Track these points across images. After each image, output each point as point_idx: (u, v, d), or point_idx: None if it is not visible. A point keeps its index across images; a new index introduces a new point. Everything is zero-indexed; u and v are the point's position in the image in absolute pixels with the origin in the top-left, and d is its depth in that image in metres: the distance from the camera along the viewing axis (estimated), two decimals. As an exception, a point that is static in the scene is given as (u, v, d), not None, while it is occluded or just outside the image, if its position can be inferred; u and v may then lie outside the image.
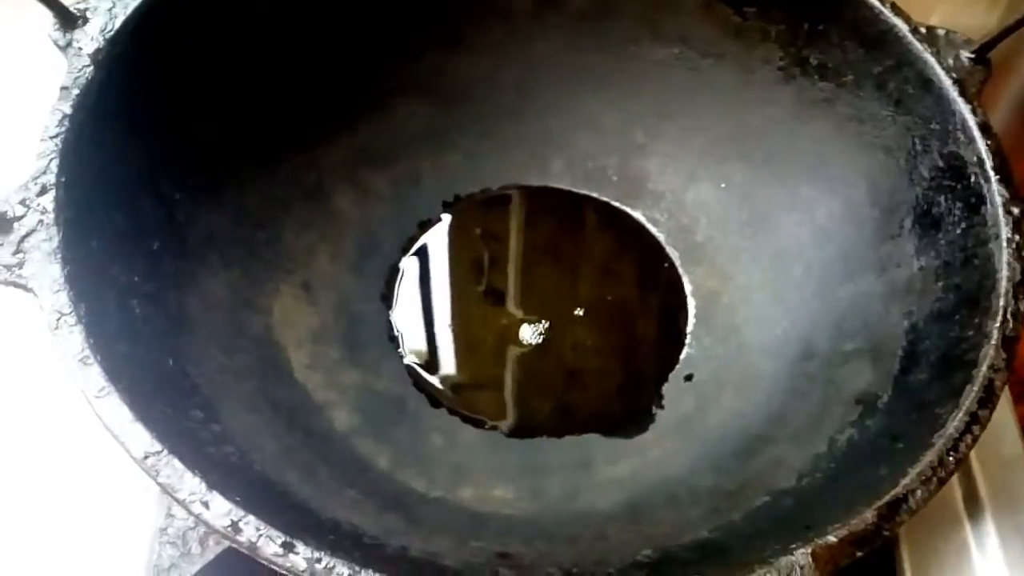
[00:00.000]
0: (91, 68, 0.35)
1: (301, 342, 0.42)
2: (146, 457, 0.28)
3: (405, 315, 0.46)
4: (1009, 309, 0.34)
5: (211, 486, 0.28)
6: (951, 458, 0.31)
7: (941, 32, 0.40)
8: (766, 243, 0.46)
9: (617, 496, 0.40)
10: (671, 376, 0.45)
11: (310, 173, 0.46)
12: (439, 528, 0.37)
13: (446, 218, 0.49)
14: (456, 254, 0.48)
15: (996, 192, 0.36)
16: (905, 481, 0.30)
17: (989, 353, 0.33)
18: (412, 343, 0.45)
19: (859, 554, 0.29)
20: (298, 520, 0.31)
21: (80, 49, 0.36)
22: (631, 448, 0.42)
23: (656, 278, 0.48)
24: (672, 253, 0.48)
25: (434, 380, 0.44)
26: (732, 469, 0.39)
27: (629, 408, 0.44)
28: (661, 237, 0.49)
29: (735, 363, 0.44)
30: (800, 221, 0.45)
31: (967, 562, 0.43)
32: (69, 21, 0.36)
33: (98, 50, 0.36)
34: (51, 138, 0.33)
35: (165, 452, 0.28)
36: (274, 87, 0.44)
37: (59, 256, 0.31)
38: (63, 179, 0.33)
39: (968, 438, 0.31)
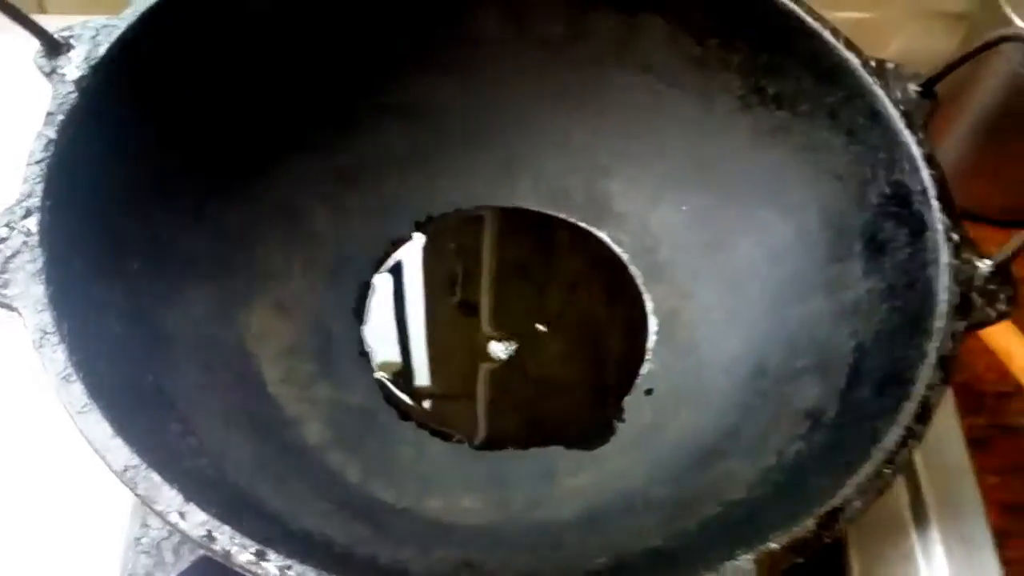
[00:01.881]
0: (75, 95, 0.36)
1: (275, 357, 0.44)
2: (125, 470, 0.29)
3: (376, 331, 0.47)
4: (947, 331, 0.35)
5: (188, 498, 0.29)
6: (888, 470, 0.32)
7: (891, 66, 0.42)
8: (724, 264, 0.48)
9: (577, 506, 0.41)
10: (632, 390, 0.47)
11: (287, 193, 0.47)
12: (406, 537, 0.38)
13: (417, 237, 0.50)
14: (427, 272, 0.50)
15: (938, 219, 0.38)
16: (844, 492, 0.32)
17: (926, 372, 0.34)
18: (382, 358, 0.46)
19: (799, 560, 0.30)
20: (270, 530, 0.32)
21: (64, 76, 0.37)
22: (592, 460, 0.44)
23: (619, 296, 0.50)
24: (635, 272, 0.50)
25: (403, 394, 0.45)
26: (687, 481, 0.41)
27: (591, 421, 0.46)
28: (625, 257, 0.50)
29: (693, 378, 0.46)
30: (756, 243, 0.47)
31: (913, 569, 0.44)
32: (54, 49, 0.37)
33: (82, 77, 0.37)
34: (36, 163, 0.34)
35: (144, 466, 0.29)
36: (253, 110, 0.45)
37: (43, 277, 0.32)
38: (48, 202, 0.34)
39: (904, 451, 0.33)
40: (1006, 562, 0.44)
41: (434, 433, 0.44)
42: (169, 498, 0.29)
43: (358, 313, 0.48)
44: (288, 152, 0.47)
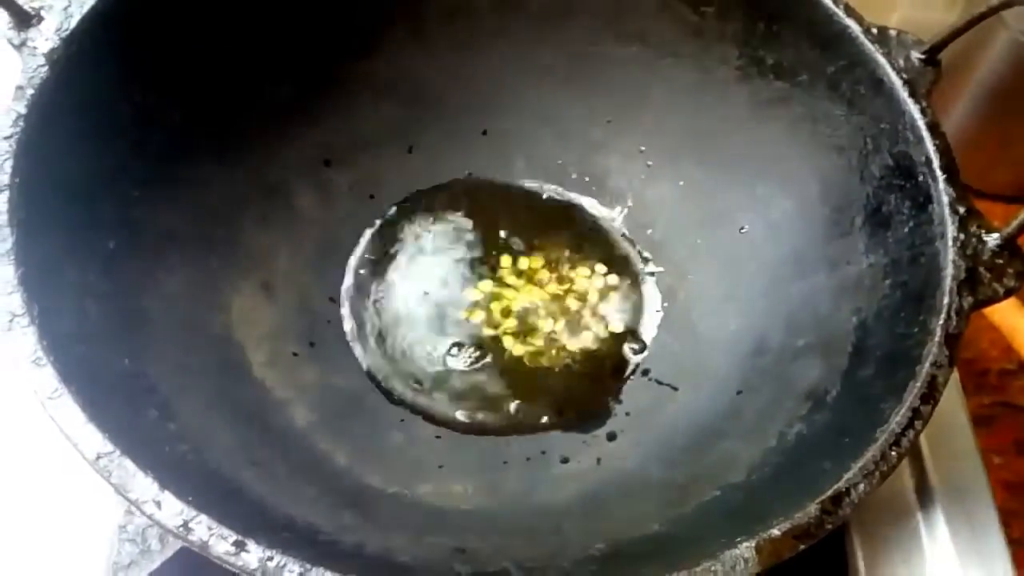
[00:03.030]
0: (46, 68, 0.35)
1: (260, 340, 0.42)
2: (98, 458, 0.28)
3: (365, 312, 0.46)
4: (953, 307, 0.34)
5: (164, 486, 0.28)
6: (893, 453, 0.31)
7: (893, 33, 0.41)
8: (722, 240, 0.46)
9: (573, 490, 0.40)
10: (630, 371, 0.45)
11: (271, 171, 0.46)
12: (396, 524, 0.37)
13: (407, 215, 0.49)
14: (417, 251, 0.48)
15: (943, 191, 0.37)
16: (848, 475, 0.31)
17: (932, 350, 0.33)
18: (372, 340, 0.45)
19: (802, 547, 0.29)
20: (252, 518, 0.31)
21: (35, 48, 0.36)
22: (589, 443, 0.43)
23: (616, 274, 0.48)
24: (631, 250, 0.49)
25: (393, 377, 0.44)
26: (685, 464, 0.40)
27: (588, 403, 0.45)
28: (621, 234, 0.49)
29: (691, 358, 0.45)
30: (755, 219, 0.45)
31: (918, 551, 0.43)
32: (24, 20, 0.36)
33: (53, 49, 0.36)
34: (5, 139, 0.33)
35: (117, 453, 0.28)
36: (233, 85, 0.44)
37: (12, 258, 0.31)
38: (17, 180, 0.33)
39: (910, 433, 0.32)
40: (1011, 542, 0.43)
41: (425, 417, 0.43)
42: (144, 486, 0.28)
43: (346, 293, 0.46)
44: (271, 127, 0.46)
